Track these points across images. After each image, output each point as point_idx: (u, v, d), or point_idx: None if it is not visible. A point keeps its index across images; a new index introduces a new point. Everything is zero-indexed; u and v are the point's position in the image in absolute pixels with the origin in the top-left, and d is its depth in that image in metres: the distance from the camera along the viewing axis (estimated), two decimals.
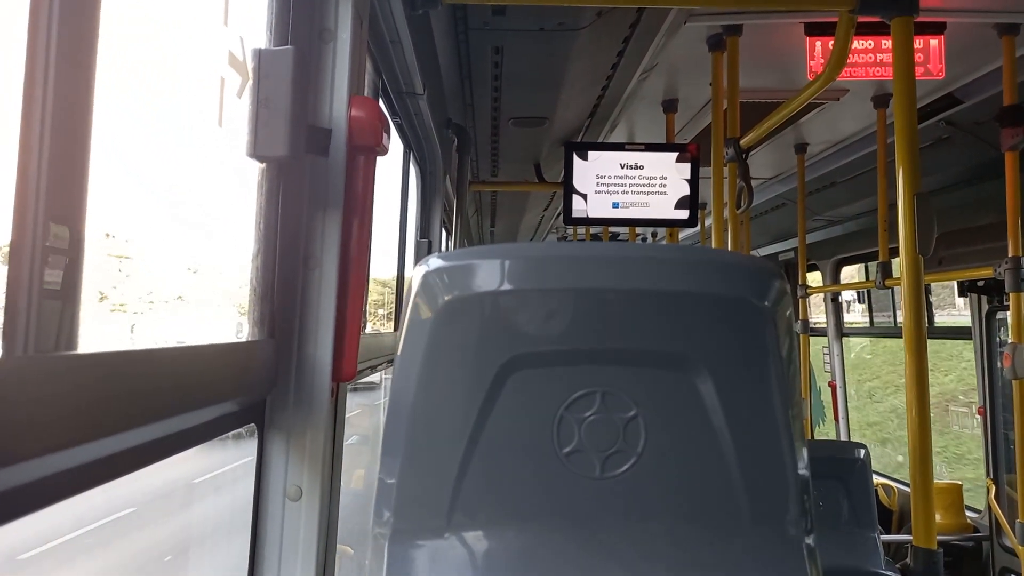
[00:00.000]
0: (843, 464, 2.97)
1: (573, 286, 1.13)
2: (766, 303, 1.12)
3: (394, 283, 3.50)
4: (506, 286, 1.12)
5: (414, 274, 1.14)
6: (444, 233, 4.19)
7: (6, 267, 0.64)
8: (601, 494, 1.11)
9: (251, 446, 1.32)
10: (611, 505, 1.11)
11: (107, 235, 1.10)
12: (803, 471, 1.12)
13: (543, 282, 1.13)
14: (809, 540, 1.12)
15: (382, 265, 3.33)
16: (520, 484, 1.13)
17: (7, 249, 0.64)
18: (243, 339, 1.30)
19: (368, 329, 2.72)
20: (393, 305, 3.56)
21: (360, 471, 3.90)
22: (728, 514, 1.11)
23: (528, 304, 1.12)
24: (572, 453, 1.12)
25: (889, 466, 10.67)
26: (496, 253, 1.15)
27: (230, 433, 1.18)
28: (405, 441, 1.11)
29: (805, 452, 1.13)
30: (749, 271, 1.15)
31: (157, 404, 0.89)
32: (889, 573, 2.76)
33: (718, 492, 1.11)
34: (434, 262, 1.14)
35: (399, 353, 1.13)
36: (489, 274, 1.13)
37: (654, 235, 8.87)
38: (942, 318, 9.67)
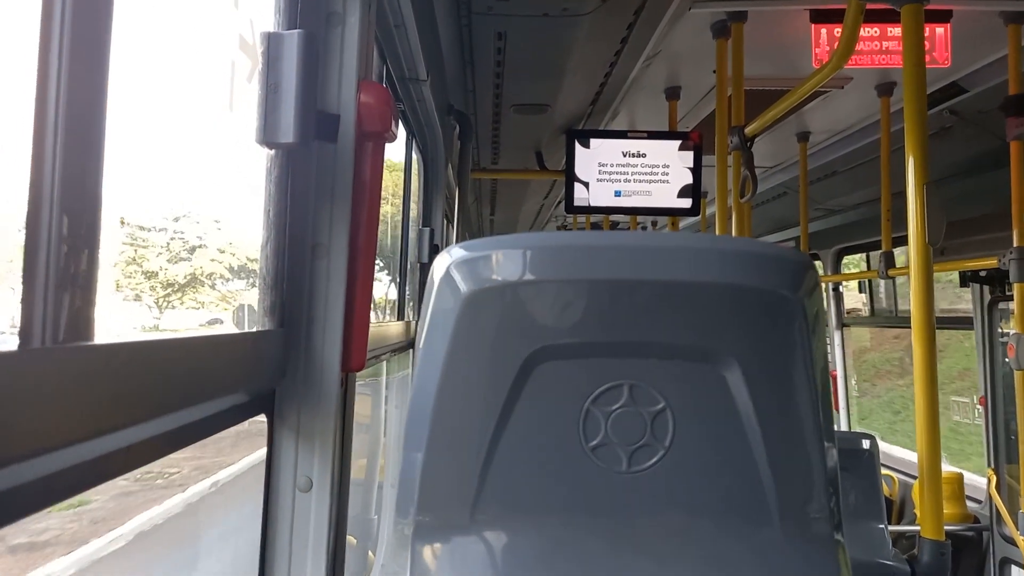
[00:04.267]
0: (850, 455, 2.97)
1: (600, 276, 1.10)
2: (798, 295, 1.10)
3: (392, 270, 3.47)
4: (532, 276, 1.10)
5: (436, 264, 1.12)
6: (445, 222, 4.16)
7: (21, 257, 0.63)
8: (628, 488, 1.09)
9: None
10: (638, 499, 1.10)
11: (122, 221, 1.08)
12: (831, 464, 1.11)
13: (570, 272, 1.11)
14: (837, 534, 1.11)
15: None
16: (545, 478, 1.11)
17: (23, 239, 0.63)
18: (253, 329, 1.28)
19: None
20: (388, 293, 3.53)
21: (362, 461, 3.88)
22: (756, 508, 1.10)
23: (554, 295, 1.10)
24: (598, 447, 1.10)
25: None
26: (521, 243, 1.13)
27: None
28: (428, 435, 1.09)
29: (834, 445, 1.12)
30: (781, 262, 1.13)
31: (169, 395, 0.87)
32: (897, 565, 2.76)
33: (746, 485, 1.10)
34: (457, 252, 1.11)
35: (421, 345, 1.11)
36: (514, 264, 1.10)
37: (654, 223, 8.85)
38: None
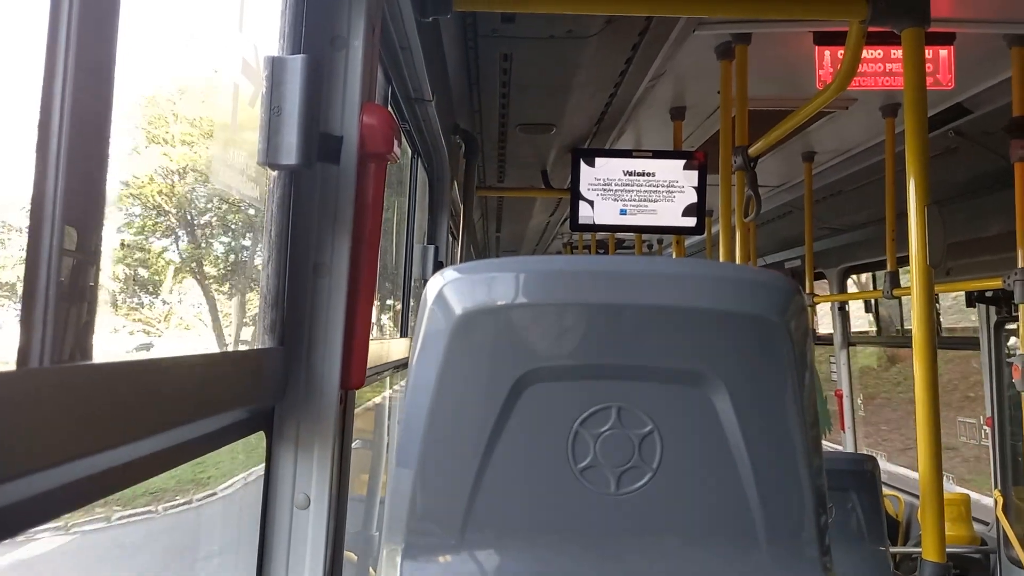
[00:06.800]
0: (852, 477, 2.95)
1: (590, 301, 1.12)
2: (784, 320, 1.11)
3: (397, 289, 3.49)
4: (523, 300, 1.12)
5: (430, 286, 1.14)
6: (450, 239, 4.18)
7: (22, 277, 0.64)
8: (616, 510, 1.11)
9: None
10: (626, 521, 1.11)
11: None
12: (819, 488, 1.12)
13: (560, 296, 1.13)
14: (826, 559, 1.12)
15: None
16: (534, 499, 1.12)
17: (23, 258, 0.64)
18: (254, 347, 1.30)
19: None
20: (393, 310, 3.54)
21: (364, 476, 3.89)
22: (743, 532, 1.11)
23: (544, 318, 1.12)
24: (587, 469, 1.11)
25: None
26: (513, 266, 1.15)
27: None
28: (419, 455, 1.11)
29: (822, 470, 1.12)
30: (768, 287, 1.14)
31: (168, 412, 0.88)
32: None
33: (734, 509, 1.10)
34: (450, 274, 1.13)
35: (413, 365, 1.13)
36: (506, 287, 1.12)
37: (660, 242, 8.87)
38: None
